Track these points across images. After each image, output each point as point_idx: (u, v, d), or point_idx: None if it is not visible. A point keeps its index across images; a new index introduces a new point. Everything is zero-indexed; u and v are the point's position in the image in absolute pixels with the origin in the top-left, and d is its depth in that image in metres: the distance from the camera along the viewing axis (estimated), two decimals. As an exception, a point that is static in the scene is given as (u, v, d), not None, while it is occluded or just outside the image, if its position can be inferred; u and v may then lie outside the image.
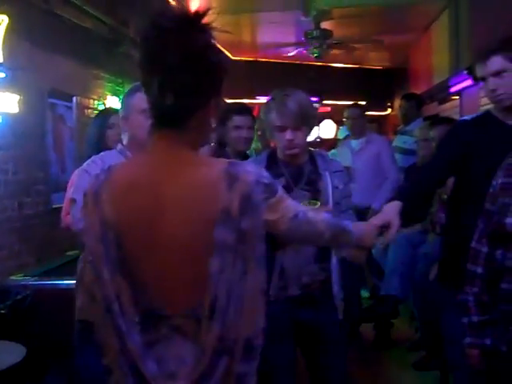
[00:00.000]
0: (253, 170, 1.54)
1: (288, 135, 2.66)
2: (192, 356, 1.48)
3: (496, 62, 2.62)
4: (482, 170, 2.61)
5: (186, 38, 1.48)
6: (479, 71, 2.71)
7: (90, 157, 2.66)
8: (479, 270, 2.29)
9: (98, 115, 3.94)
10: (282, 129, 2.68)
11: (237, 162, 1.57)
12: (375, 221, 2.33)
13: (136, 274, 1.51)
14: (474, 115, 3.05)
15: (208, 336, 1.46)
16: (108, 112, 3.83)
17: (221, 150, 3.93)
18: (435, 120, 4.69)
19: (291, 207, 1.65)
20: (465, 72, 5.99)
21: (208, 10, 1.49)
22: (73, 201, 2.48)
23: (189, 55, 1.48)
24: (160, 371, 1.49)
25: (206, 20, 1.50)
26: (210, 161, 1.59)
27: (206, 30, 1.50)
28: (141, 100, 2.53)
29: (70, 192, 2.65)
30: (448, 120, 4.42)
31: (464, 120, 3.26)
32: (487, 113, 2.84)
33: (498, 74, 2.62)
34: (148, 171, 1.55)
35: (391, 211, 2.44)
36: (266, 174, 1.59)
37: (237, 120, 3.55)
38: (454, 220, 2.90)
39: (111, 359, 1.54)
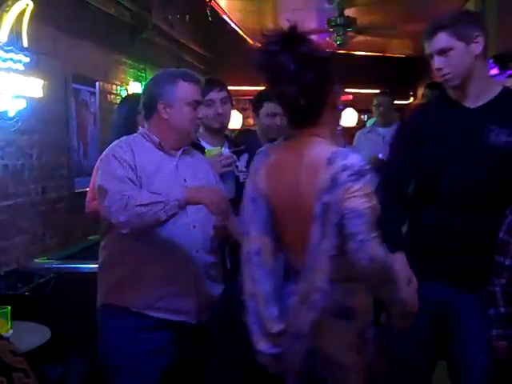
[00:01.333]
0: (347, 156, 1.86)
1: None
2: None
3: (441, 39, 2.39)
4: (437, 156, 2.45)
5: (293, 51, 1.88)
6: (426, 48, 2.49)
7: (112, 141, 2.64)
8: (507, 261, 2.27)
9: (125, 100, 3.94)
10: None
11: (342, 150, 1.90)
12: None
13: (278, 234, 1.97)
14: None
15: (298, 288, 1.90)
16: (136, 98, 3.84)
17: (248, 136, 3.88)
18: None
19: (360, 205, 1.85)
20: (490, 61, 5.91)
21: (296, 25, 1.91)
22: (103, 191, 2.38)
23: (303, 61, 1.87)
24: (277, 315, 1.93)
25: (300, 30, 1.91)
26: (324, 147, 1.93)
27: (305, 38, 1.92)
28: (187, 91, 2.55)
29: (97, 178, 2.55)
30: None
31: (420, 104, 3.05)
32: (443, 94, 2.61)
33: (443, 52, 2.41)
34: (288, 157, 1.99)
35: (404, 267, 2.31)
36: (360, 163, 1.86)
37: (270, 107, 3.36)
38: (414, 214, 2.58)
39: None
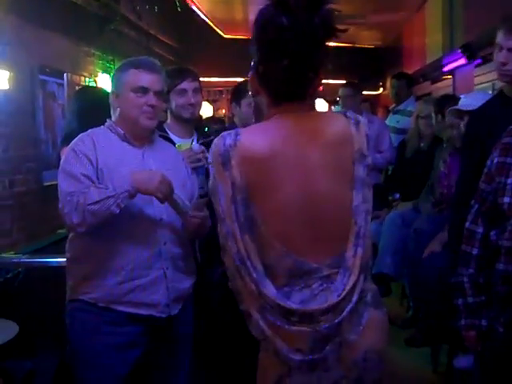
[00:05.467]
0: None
1: None
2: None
3: None
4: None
5: (318, 15, 1.66)
6: (499, 37, 2.55)
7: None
8: (475, 251, 2.28)
9: (77, 93, 3.92)
10: None
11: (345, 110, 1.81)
12: None
13: (266, 232, 1.68)
14: (486, 99, 2.90)
15: (355, 260, 1.71)
16: (89, 90, 3.80)
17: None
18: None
19: None
20: (458, 51, 5.96)
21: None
22: (58, 189, 2.39)
23: (325, 27, 1.67)
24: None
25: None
26: (328, 114, 1.87)
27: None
28: (134, 77, 2.51)
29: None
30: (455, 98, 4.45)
31: (475, 112, 2.98)
32: (500, 93, 2.70)
33: None
34: (282, 139, 1.70)
35: None
36: None
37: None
38: None
39: (248, 304, 1.71)
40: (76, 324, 2.49)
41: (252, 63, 1.78)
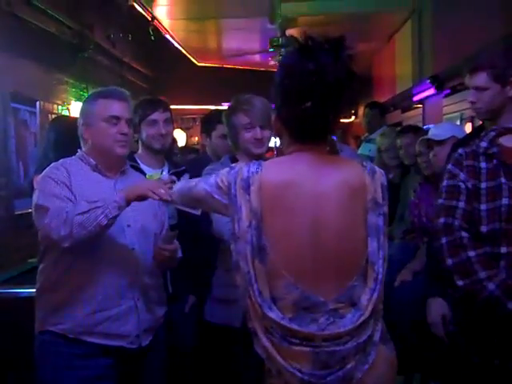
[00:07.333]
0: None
1: (258, 134, 2.68)
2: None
3: (481, 78, 2.65)
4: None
5: (344, 60, 1.77)
6: (465, 78, 2.76)
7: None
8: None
9: (53, 123, 3.90)
10: (251, 126, 2.68)
11: (363, 159, 1.96)
12: None
13: (275, 259, 1.74)
14: (455, 129, 3.03)
15: (369, 303, 1.77)
16: (65, 120, 3.79)
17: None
18: (403, 128, 4.77)
19: None
20: (428, 81, 6.07)
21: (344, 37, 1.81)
22: (44, 209, 2.35)
23: (350, 73, 1.76)
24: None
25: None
26: (347, 159, 2.00)
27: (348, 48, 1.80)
28: (105, 107, 2.51)
29: (34, 199, 2.49)
30: (415, 128, 4.50)
31: (457, 144, 3.05)
32: (480, 126, 2.86)
33: (479, 89, 2.66)
34: (300, 172, 1.79)
35: None
36: None
37: (224, 128, 3.13)
38: None
39: (254, 324, 1.77)
40: (45, 357, 2.45)
41: (275, 106, 1.88)
